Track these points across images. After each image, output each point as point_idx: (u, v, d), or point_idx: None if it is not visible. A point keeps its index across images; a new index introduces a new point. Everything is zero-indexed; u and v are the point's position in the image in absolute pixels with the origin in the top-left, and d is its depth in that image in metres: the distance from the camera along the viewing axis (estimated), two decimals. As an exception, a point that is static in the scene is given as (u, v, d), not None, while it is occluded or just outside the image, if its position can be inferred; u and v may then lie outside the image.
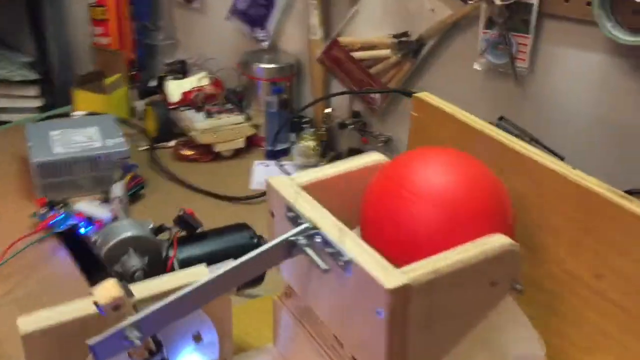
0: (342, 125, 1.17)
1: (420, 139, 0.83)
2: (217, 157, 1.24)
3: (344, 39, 1.14)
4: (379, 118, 1.19)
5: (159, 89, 1.38)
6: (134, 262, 0.58)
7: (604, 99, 0.95)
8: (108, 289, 0.45)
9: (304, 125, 1.24)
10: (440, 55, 1.07)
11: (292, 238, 0.52)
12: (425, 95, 0.82)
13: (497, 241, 0.54)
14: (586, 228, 0.64)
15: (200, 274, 0.57)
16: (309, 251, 0.52)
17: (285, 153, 1.26)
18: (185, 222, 0.64)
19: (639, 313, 0.60)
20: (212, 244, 0.64)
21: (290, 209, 0.54)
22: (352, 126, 1.17)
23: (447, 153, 0.63)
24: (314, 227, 0.52)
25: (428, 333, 0.50)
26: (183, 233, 0.65)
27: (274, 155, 1.24)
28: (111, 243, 0.57)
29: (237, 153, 1.26)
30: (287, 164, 1.20)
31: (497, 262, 0.53)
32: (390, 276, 0.47)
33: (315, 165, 1.21)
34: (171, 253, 0.60)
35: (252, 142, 1.27)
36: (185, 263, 0.60)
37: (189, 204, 1.09)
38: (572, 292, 0.65)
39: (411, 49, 1.07)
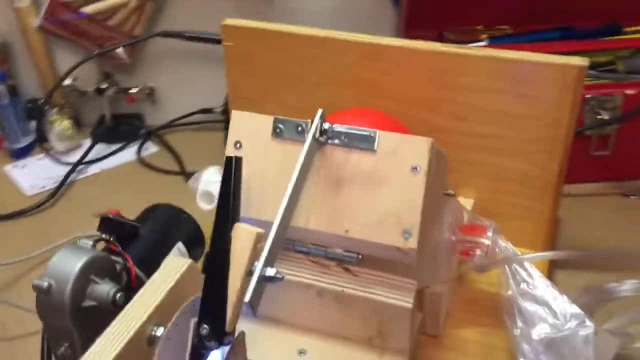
0: (99, 91, 1.06)
1: (242, 68, 0.82)
2: (-46, 179, 1.01)
3: (66, -4, 1.00)
4: (131, 72, 1.10)
5: None
6: (106, 287, 0.47)
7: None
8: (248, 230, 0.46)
9: (43, 108, 1.08)
10: (181, -15, 1.03)
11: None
12: (236, 22, 0.80)
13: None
14: (443, 84, 0.74)
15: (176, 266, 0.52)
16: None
17: (32, 146, 1.08)
18: (116, 224, 0.54)
19: (501, 134, 0.74)
20: (152, 235, 0.55)
21: (281, 121, 0.58)
22: (113, 89, 1.06)
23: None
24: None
25: (428, 205, 0.56)
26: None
27: (24, 151, 1.06)
28: (71, 280, 0.45)
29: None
30: (54, 153, 1.04)
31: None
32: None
33: (80, 145, 1.08)
34: (123, 262, 0.51)
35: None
36: (143, 266, 0.51)
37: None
38: (443, 142, 0.76)
39: (147, -12, 1.01)
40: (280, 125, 0.59)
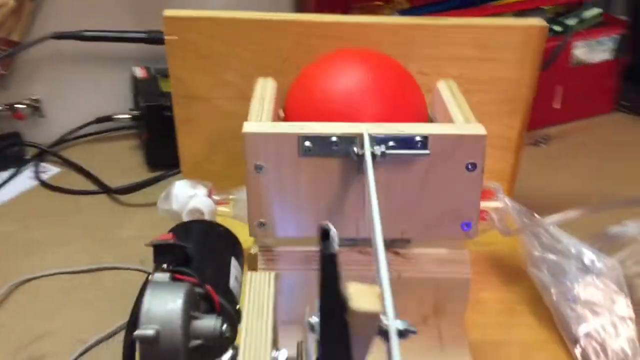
0: (-22, 111, 0.89)
1: (188, 63, 0.73)
2: None
3: None
4: (5, 85, 0.94)
5: None
6: (209, 321, 0.39)
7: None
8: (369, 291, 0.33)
9: None
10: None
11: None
12: (180, 12, 0.72)
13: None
14: (407, 58, 0.73)
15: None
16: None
17: None
18: (175, 249, 0.45)
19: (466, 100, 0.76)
20: (201, 254, 0.47)
21: (308, 138, 0.53)
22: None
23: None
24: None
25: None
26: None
27: None
28: (180, 320, 0.37)
29: None
30: None
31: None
32: (470, 128, 0.54)
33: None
34: (203, 290, 0.43)
35: None
36: (217, 288, 0.44)
37: None
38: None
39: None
40: (308, 143, 0.52)
